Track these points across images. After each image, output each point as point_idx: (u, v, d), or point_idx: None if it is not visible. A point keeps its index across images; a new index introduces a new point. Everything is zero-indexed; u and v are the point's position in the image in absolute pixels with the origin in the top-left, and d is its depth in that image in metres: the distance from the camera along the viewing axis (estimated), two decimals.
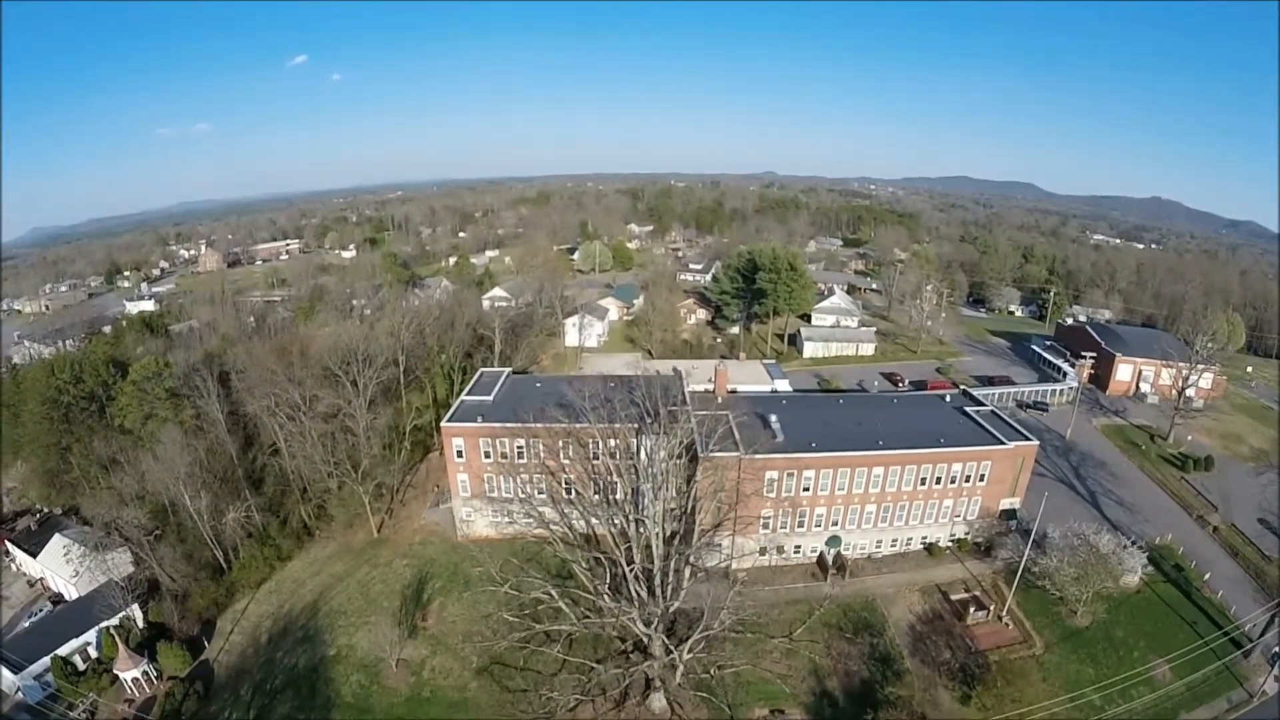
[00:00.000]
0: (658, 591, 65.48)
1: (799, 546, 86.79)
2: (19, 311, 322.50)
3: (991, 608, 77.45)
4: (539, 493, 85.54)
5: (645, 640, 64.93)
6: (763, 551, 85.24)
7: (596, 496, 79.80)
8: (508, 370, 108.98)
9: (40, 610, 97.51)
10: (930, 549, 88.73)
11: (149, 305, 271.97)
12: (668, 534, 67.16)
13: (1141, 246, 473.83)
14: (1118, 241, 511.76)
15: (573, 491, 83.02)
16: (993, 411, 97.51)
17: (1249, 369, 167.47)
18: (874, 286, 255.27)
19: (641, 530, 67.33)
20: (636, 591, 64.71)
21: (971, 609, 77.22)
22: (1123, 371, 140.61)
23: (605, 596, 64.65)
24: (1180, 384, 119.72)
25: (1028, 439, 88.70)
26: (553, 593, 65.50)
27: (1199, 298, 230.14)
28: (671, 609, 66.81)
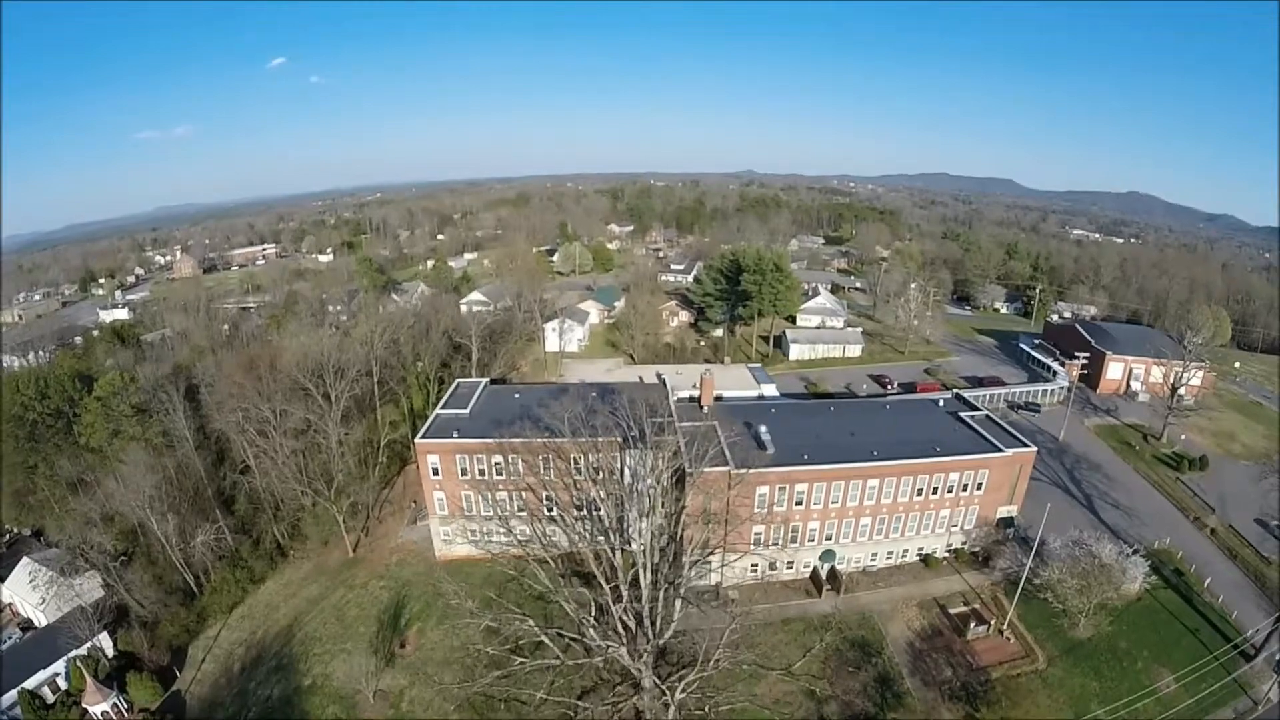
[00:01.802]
0: (646, 623, 62.38)
1: (791, 562, 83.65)
2: None
3: (992, 622, 74.84)
4: (519, 512, 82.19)
5: (636, 673, 61.83)
6: (754, 569, 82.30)
7: (580, 514, 76.41)
8: (485, 380, 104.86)
9: (10, 637, 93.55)
10: (927, 560, 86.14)
11: (123, 314, 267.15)
12: (655, 560, 63.89)
13: (1121, 241, 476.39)
14: (1098, 236, 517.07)
15: (554, 511, 79.69)
16: (987, 416, 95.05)
17: (1237, 364, 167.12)
18: (858, 285, 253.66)
19: (629, 559, 64.20)
20: (624, 622, 61.65)
21: (971, 624, 74.55)
22: (1113, 370, 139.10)
23: (591, 629, 61.30)
24: (1172, 382, 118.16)
25: (1025, 445, 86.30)
26: (535, 627, 62.27)
27: (1183, 292, 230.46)
28: (661, 643, 63.74)
